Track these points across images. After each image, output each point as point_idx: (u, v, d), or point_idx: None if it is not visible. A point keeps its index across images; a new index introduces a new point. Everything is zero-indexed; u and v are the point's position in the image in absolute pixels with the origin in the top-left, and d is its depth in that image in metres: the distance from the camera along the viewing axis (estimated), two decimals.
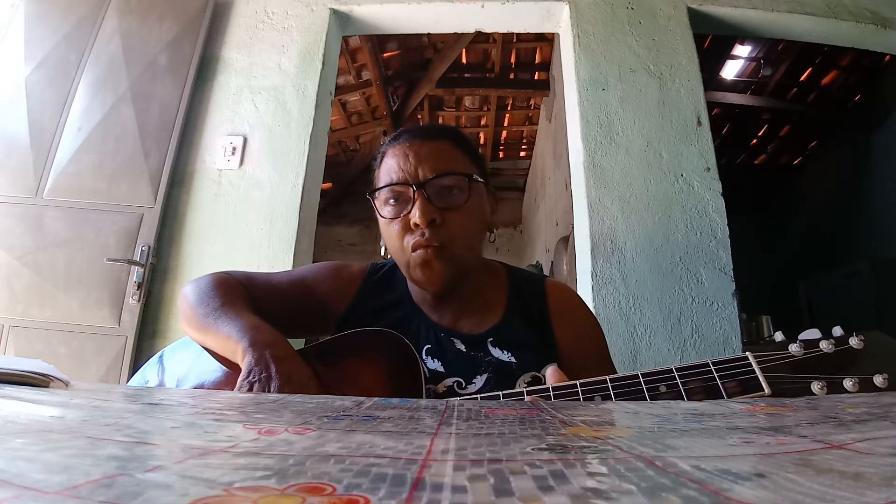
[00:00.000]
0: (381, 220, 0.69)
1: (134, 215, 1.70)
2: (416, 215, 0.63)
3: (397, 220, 0.66)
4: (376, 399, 0.39)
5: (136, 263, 1.64)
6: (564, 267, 2.93)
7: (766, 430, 0.24)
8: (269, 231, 1.70)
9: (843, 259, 4.17)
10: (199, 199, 1.76)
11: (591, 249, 1.62)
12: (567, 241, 2.83)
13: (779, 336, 0.50)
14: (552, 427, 0.26)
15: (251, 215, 1.72)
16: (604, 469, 0.16)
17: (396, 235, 0.66)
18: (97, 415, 0.28)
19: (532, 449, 0.20)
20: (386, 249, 0.71)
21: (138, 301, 1.62)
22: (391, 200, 0.66)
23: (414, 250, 0.64)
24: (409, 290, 0.75)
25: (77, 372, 1.55)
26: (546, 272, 3.53)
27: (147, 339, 1.63)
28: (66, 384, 0.44)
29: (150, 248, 1.66)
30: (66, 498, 0.12)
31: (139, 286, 1.63)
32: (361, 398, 0.39)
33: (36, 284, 1.63)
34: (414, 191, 0.64)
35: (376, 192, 0.68)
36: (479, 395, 0.53)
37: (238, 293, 0.69)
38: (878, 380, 0.45)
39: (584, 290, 1.62)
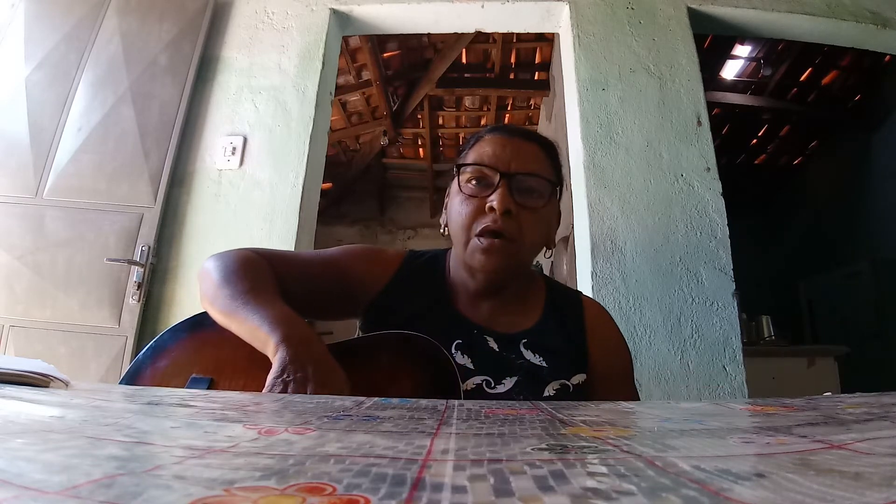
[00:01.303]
0: (455, 195, 0.69)
1: (134, 215, 1.70)
2: (495, 200, 0.64)
3: (474, 199, 0.66)
4: (376, 399, 0.39)
5: (136, 263, 1.64)
6: (564, 267, 2.93)
7: (766, 430, 0.24)
8: (269, 231, 1.70)
9: (843, 259, 4.17)
10: (199, 199, 1.76)
11: (591, 249, 1.62)
12: (567, 241, 2.83)
13: None
14: (552, 427, 0.26)
15: (251, 215, 1.72)
16: (604, 469, 0.16)
17: (468, 214, 0.66)
18: (97, 415, 0.28)
19: (532, 449, 0.20)
20: (446, 226, 0.71)
21: (138, 301, 1.62)
22: (474, 181, 0.67)
23: (481, 234, 0.64)
24: (447, 282, 0.74)
25: (77, 372, 1.55)
26: (546, 272, 3.53)
27: (147, 339, 1.63)
28: (66, 384, 0.44)
29: (150, 248, 1.66)
30: (66, 498, 0.12)
31: (139, 286, 1.63)
32: (361, 398, 0.39)
33: (36, 284, 1.63)
34: (500, 178, 0.65)
35: (464, 167, 0.68)
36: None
37: (267, 276, 0.65)
38: None
39: (584, 290, 1.62)
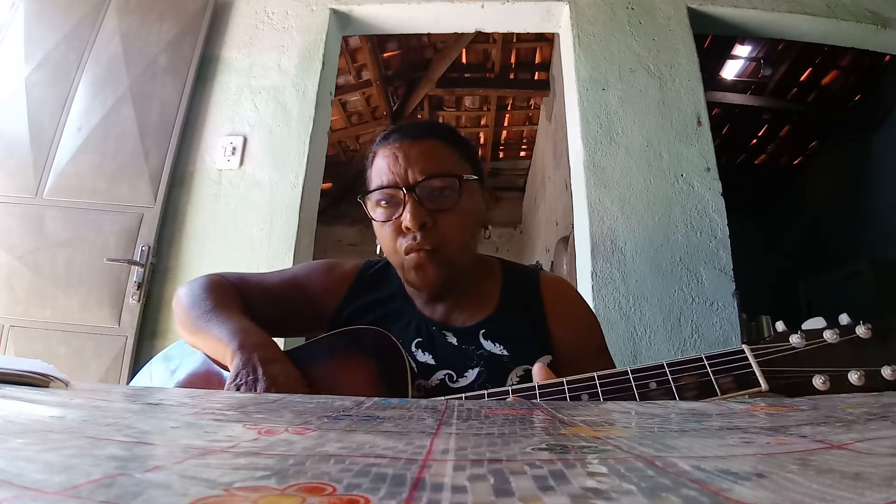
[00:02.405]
0: (374, 223, 0.69)
1: (134, 215, 1.70)
2: (406, 219, 0.63)
3: (389, 222, 0.66)
4: (376, 399, 0.39)
5: (136, 263, 1.64)
6: (564, 267, 2.93)
7: (766, 430, 0.24)
8: (269, 231, 1.70)
9: (843, 259, 4.17)
10: (199, 199, 1.76)
11: (591, 249, 1.62)
12: (567, 241, 2.83)
13: (780, 326, 0.47)
14: (552, 427, 0.26)
15: (251, 215, 1.72)
16: (604, 469, 0.16)
17: (389, 238, 0.66)
18: (97, 415, 0.28)
19: (532, 449, 0.20)
20: (381, 250, 0.71)
21: (138, 301, 1.62)
22: (383, 202, 0.66)
23: (407, 253, 0.64)
24: (402, 285, 0.74)
25: (77, 372, 1.55)
26: (546, 269, 3.53)
27: (147, 339, 1.63)
28: (66, 384, 0.44)
29: (150, 248, 1.66)
30: (66, 498, 0.12)
31: (139, 286, 1.63)
32: (361, 398, 0.39)
33: (36, 284, 1.63)
34: (404, 194, 0.64)
35: (368, 195, 0.68)
36: (463, 396, 0.52)
37: (230, 295, 0.70)
38: (887, 372, 0.41)
39: (584, 290, 1.62)
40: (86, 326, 1.61)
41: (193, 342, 0.67)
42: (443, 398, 0.46)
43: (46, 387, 0.42)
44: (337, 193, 5.80)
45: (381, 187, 0.66)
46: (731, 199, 1.67)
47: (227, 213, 1.74)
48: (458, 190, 0.66)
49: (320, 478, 0.15)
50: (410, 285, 0.69)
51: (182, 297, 0.70)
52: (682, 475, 0.15)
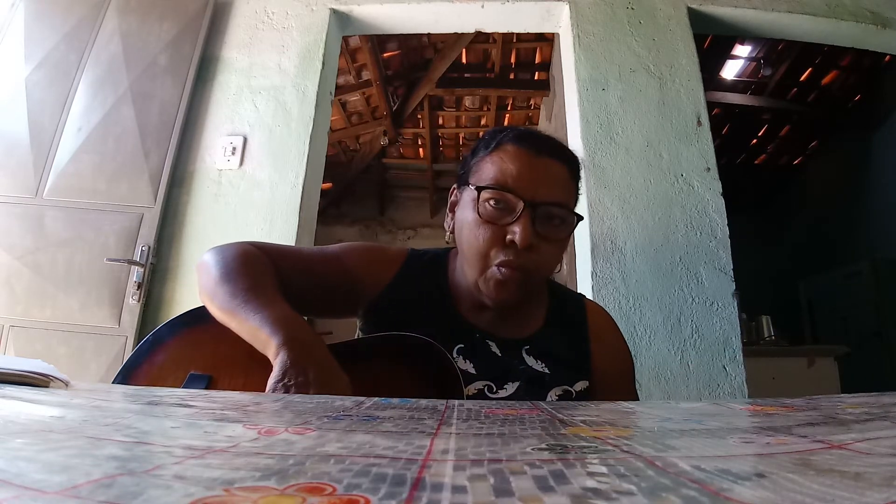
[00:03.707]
0: (470, 211, 0.64)
1: (134, 215, 1.70)
2: (518, 235, 0.60)
3: (493, 225, 0.62)
4: (376, 399, 0.39)
5: (136, 263, 1.64)
6: (564, 267, 2.93)
7: (766, 430, 0.24)
8: (269, 231, 1.70)
9: (843, 259, 4.17)
10: (199, 199, 1.76)
11: (591, 249, 1.62)
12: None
13: None
14: (552, 427, 0.26)
15: (251, 215, 1.72)
16: (604, 469, 0.16)
17: (485, 240, 0.62)
18: (97, 415, 0.28)
19: (532, 449, 0.20)
20: (453, 239, 0.68)
21: (138, 301, 1.62)
22: (493, 202, 0.62)
23: (499, 266, 0.61)
24: (450, 286, 0.72)
25: (77, 372, 1.55)
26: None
27: None
28: (66, 384, 0.44)
29: (150, 248, 1.66)
30: (66, 498, 0.12)
31: (139, 286, 1.63)
32: (361, 398, 0.39)
33: (36, 284, 1.63)
34: (524, 207, 0.61)
35: (481, 187, 0.63)
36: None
37: (268, 274, 0.64)
38: None
39: (585, 290, 1.62)
40: (86, 326, 1.61)
41: (225, 321, 0.59)
42: (443, 400, 0.46)
43: (46, 387, 0.42)
44: (337, 193, 5.79)
45: (504, 188, 0.62)
46: (731, 199, 1.66)
47: (227, 213, 1.73)
48: (570, 226, 0.65)
49: (320, 478, 0.15)
50: (481, 294, 0.65)
51: (212, 266, 0.63)
52: (682, 475, 0.15)
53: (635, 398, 0.74)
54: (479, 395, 0.63)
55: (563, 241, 0.66)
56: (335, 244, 0.76)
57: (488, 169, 0.65)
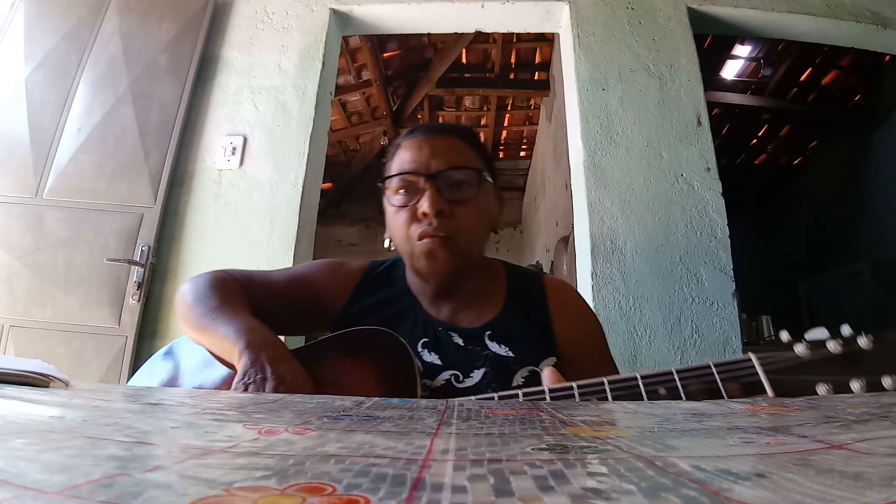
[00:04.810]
0: (388, 209, 0.69)
1: (134, 215, 1.70)
2: (424, 205, 0.64)
3: (405, 209, 0.66)
4: (376, 399, 0.39)
5: (136, 263, 1.64)
6: (564, 267, 2.93)
7: (766, 430, 0.24)
8: (269, 231, 1.70)
9: (843, 259, 4.17)
10: (199, 200, 1.76)
11: (591, 249, 1.62)
12: (567, 241, 2.83)
13: (784, 336, 0.48)
14: (552, 427, 0.26)
15: (251, 215, 1.72)
16: (604, 469, 0.16)
17: (404, 224, 0.66)
18: (97, 415, 0.28)
19: (532, 449, 0.20)
20: (390, 240, 0.71)
21: (138, 301, 1.62)
22: (401, 190, 0.67)
23: (420, 239, 0.65)
24: (408, 285, 0.75)
25: (77, 372, 1.55)
26: (546, 272, 3.53)
27: (147, 339, 1.63)
28: (66, 384, 0.44)
29: (150, 248, 1.66)
30: (66, 498, 0.12)
31: (139, 286, 1.63)
32: (361, 398, 0.39)
33: (36, 284, 1.63)
34: (425, 181, 0.65)
35: (387, 181, 0.69)
36: (473, 397, 0.52)
37: (236, 293, 0.69)
38: (887, 382, 0.42)
39: (584, 290, 1.62)
40: (86, 326, 1.61)
41: (198, 339, 0.66)
42: (444, 400, 0.46)
43: (46, 387, 0.42)
44: (337, 193, 5.80)
45: (402, 173, 0.67)
46: (731, 199, 1.67)
47: (228, 214, 1.73)
48: (477, 185, 0.68)
49: (320, 478, 0.15)
50: (418, 273, 0.69)
51: (186, 293, 0.69)
52: (682, 475, 0.15)
53: (609, 362, 0.72)
54: (447, 385, 0.65)
55: (478, 200, 0.68)
56: (301, 264, 0.82)
57: (391, 168, 0.70)
